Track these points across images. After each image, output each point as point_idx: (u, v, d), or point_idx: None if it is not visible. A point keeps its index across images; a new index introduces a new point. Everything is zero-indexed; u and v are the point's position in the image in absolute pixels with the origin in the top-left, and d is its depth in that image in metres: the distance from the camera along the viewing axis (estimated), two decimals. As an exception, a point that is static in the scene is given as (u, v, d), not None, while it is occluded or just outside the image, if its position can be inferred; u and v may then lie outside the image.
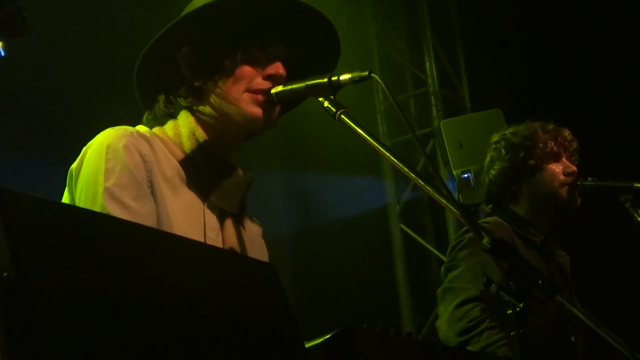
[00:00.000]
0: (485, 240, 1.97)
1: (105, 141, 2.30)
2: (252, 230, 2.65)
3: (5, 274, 1.30)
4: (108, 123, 2.44)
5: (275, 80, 2.44)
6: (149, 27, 2.47)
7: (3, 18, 1.68)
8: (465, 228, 3.81)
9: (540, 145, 3.91)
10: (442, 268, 3.80)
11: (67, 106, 5.69)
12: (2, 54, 1.71)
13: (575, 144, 4.00)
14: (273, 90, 2.43)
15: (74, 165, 2.36)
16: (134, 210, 2.22)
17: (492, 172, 4.00)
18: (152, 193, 2.31)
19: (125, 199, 2.23)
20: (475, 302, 3.56)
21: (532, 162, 3.91)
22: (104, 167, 2.25)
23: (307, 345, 1.83)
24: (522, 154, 3.93)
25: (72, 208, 1.91)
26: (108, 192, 2.23)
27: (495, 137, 4.07)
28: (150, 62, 2.47)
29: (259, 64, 2.46)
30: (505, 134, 4.02)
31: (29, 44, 5.49)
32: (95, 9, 5.90)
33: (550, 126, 3.98)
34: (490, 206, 4.04)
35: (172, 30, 2.43)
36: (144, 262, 1.51)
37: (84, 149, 2.35)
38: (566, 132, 3.98)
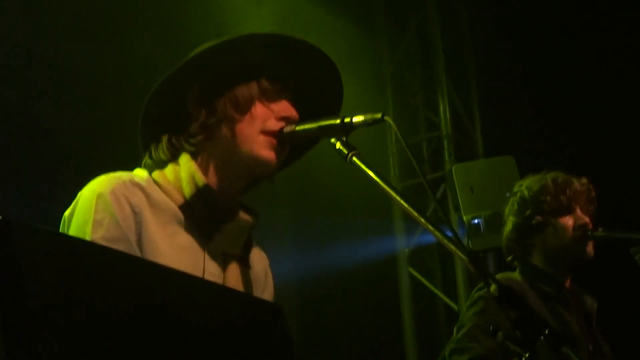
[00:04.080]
0: (493, 288, 1.96)
1: (96, 190, 2.28)
2: (258, 267, 2.62)
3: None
4: (118, 157, 2.44)
5: (288, 121, 2.43)
6: (166, 66, 2.47)
7: None
8: (477, 287, 3.83)
9: (549, 199, 3.91)
10: (454, 328, 3.79)
11: (79, 138, 5.73)
12: None
13: (591, 193, 3.98)
14: (286, 130, 2.42)
15: (67, 212, 2.35)
16: None
17: (508, 226, 4.04)
18: (140, 245, 2.28)
19: None
20: None
21: (539, 218, 3.92)
22: (92, 219, 2.24)
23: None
24: (530, 209, 3.94)
25: (78, 240, 1.91)
26: None
27: (515, 188, 4.09)
28: (157, 102, 2.46)
29: (271, 102, 2.45)
30: (521, 186, 4.04)
31: (46, 78, 5.57)
32: (113, 46, 5.95)
33: (561, 178, 3.97)
34: (510, 257, 4.06)
35: (183, 69, 2.43)
36: (148, 296, 1.50)
37: (78, 195, 2.34)
38: (577, 184, 3.96)
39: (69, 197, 2.39)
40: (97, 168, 2.42)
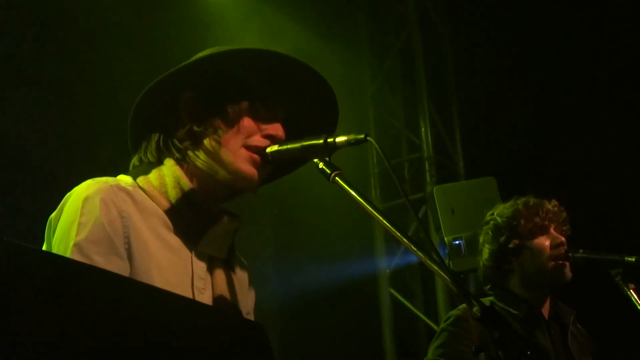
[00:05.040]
0: (475, 309, 1.96)
1: (83, 194, 2.29)
2: (241, 274, 2.63)
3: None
4: (94, 170, 2.44)
5: (274, 140, 2.44)
6: (143, 78, 2.47)
7: None
8: (443, 319, 3.88)
9: (523, 222, 3.95)
10: None
11: (55, 153, 5.71)
12: None
13: (563, 214, 4.02)
14: (268, 149, 2.43)
15: (53, 214, 2.35)
16: (100, 266, 2.18)
17: (484, 255, 4.07)
18: (129, 250, 2.28)
19: (93, 254, 2.21)
20: None
21: (515, 241, 3.96)
22: (78, 221, 2.24)
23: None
24: (505, 235, 3.98)
25: (58, 258, 1.90)
26: (77, 246, 2.22)
27: (486, 217, 4.13)
28: (150, 102, 2.47)
29: (260, 120, 2.46)
30: (492, 215, 4.09)
31: (22, 90, 5.55)
32: (90, 57, 5.95)
33: (532, 201, 4.02)
34: (488, 286, 4.09)
35: (179, 72, 2.44)
36: (125, 315, 1.49)
37: (64, 198, 2.35)
38: (549, 205, 4.01)
39: (45, 211, 2.39)
40: (75, 182, 2.42)
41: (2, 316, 1.29)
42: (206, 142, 2.44)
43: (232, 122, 2.44)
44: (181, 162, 2.46)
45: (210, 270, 2.46)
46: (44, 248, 2.36)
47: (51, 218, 2.36)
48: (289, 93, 2.53)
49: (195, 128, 2.45)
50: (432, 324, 7.61)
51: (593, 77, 7.48)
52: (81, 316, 1.40)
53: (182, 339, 1.55)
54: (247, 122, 2.44)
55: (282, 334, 7.09)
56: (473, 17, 8.01)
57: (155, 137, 2.49)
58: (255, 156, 2.43)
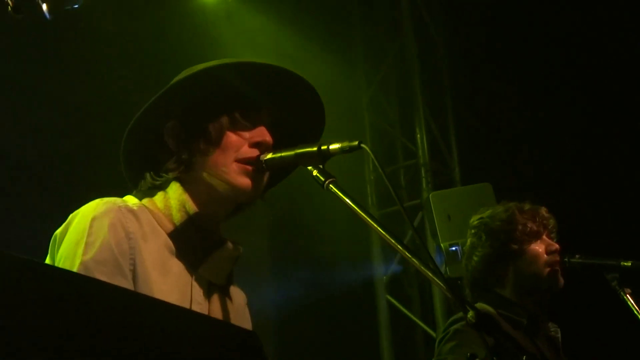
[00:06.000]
0: (470, 315, 1.96)
1: (91, 213, 2.30)
2: (238, 301, 2.64)
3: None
4: (97, 187, 2.44)
5: (262, 147, 2.44)
6: (142, 89, 2.47)
7: None
8: (451, 320, 3.80)
9: (520, 227, 3.89)
10: None
11: (56, 168, 5.71)
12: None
13: (553, 222, 3.98)
14: (263, 158, 2.43)
15: (59, 230, 2.35)
16: None
17: (475, 258, 3.96)
18: (134, 271, 2.29)
19: (98, 274, 2.20)
20: None
21: (514, 246, 3.88)
22: (85, 240, 2.25)
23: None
24: (502, 239, 3.90)
25: (58, 270, 1.90)
26: (83, 266, 2.22)
27: (474, 221, 4.02)
28: (136, 137, 2.48)
29: (243, 130, 2.46)
30: (483, 218, 3.99)
31: (23, 103, 5.55)
32: (89, 70, 5.95)
33: (527, 206, 3.97)
34: (474, 294, 3.99)
35: (155, 104, 2.43)
36: (125, 324, 1.49)
37: (71, 216, 2.35)
38: (543, 210, 3.97)
39: (47, 226, 2.39)
40: (77, 198, 2.42)
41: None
42: (198, 167, 2.45)
43: (216, 141, 2.44)
44: (183, 184, 2.46)
45: (208, 295, 2.47)
46: (47, 262, 2.36)
47: (56, 234, 2.36)
48: (269, 98, 2.53)
49: (184, 156, 2.45)
50: (429, 330, 7.61)
51: (591, 83, 7.50)
52: (77, 325, 1.40)
53: (177, 347, 1.55)
54: (230, 137, 2.45)
55: (279, 341, 7.09)
56: (468, 22, 8.02)
57: (148, 175, 2.49)
58: (248, 167, 2.43)
